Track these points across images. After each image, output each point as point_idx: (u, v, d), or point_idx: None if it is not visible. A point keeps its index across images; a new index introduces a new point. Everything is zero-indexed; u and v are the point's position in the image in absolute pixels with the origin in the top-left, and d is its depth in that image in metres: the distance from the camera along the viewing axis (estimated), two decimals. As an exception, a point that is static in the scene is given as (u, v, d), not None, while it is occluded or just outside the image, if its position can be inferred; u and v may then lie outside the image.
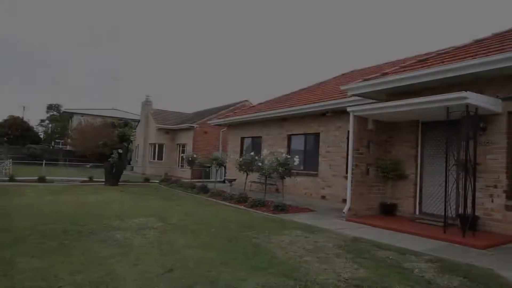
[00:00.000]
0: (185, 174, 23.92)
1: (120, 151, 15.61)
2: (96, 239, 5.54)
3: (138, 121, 32.77)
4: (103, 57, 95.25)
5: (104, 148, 16.08)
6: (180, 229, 6.47)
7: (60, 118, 43.49)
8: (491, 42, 8.13)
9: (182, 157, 25.06)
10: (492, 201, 6.94)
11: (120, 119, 20.35)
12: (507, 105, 6.87)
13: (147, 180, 18.29)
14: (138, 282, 3.78)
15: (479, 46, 8.08)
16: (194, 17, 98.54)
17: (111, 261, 4.46)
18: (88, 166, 32.56)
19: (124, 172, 17.70)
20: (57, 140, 43.73)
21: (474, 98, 6.39)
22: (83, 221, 6.82)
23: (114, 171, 15.52)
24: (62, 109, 43.75)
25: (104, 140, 16.44)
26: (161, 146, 27.68)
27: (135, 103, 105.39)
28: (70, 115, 44.49)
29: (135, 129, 33.13)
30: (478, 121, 6.97)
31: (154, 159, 27.69)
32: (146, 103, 29.38)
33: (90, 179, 16.67)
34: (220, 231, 6.42)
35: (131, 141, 17.09)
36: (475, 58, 6.82)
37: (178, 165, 26.96)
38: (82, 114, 42.10)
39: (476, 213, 6.79)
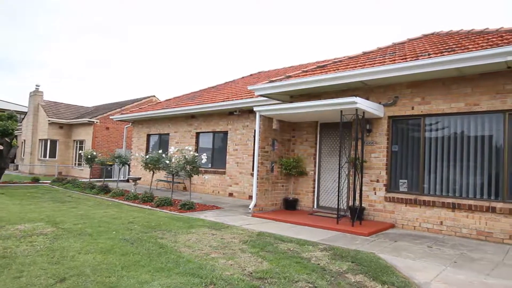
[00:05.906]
0: (83, 173, 21.91)
1: (1, 147, 13.55)
2: (-34, 251, 4.71)
3: (25, 113, 28.76)
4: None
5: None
6: (75, 234, 5.90)
7: None
8: (376, 55, 9.31)
9: (80, 154, 22.84)
10: (375, 193, 7.98)
11: (2, 110, 17.59)
12: (388, 110, 7.96)
13: (36, 180, 16.17)
14: (22, 296, 3.35)
15: (367, 58, 9.18)
16: (100, 6, 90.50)
17: (-13, 275, 3.84)
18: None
19: (6, 172, 15.39)
20: None
21: (362, 103, 7.23)
22: (-51, 231, 5.74)
23: (-8, 170, 13.39)
24: None
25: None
26: (53, 142, 24.75)
27: (21, 93, 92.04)
28: None
29: (20, 122, 29.06)
30: (365, 124, 7.94)
31: (45, 156, 24.63)
32: (36, 94, 25.81)
33: (-40, 181, 14.09)
34: (122, 233, 6.05)
35: (16, 136, 14.93)
36: (363, 68, 7.73)
37: (75, 164, 24.51)
38: (-51, 103, 35.28)
39: (363, 205, 7.75)
